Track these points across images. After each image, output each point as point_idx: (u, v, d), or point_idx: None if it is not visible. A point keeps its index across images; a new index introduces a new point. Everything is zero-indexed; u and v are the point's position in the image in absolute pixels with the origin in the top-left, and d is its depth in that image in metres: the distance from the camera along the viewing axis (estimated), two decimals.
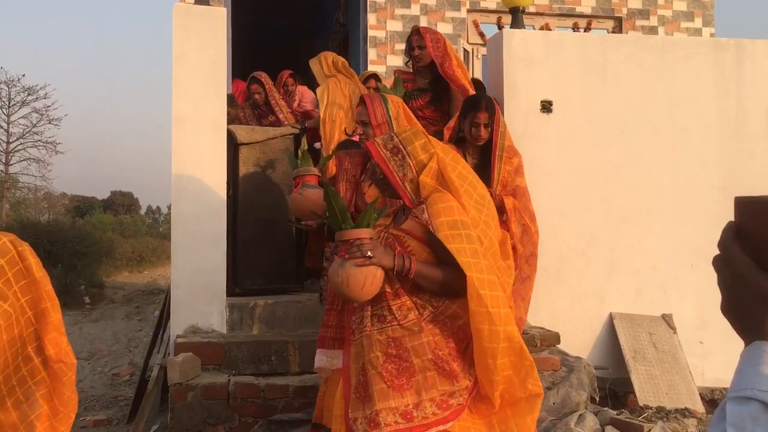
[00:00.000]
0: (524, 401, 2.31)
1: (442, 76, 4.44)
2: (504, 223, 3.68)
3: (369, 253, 2.19)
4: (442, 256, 2.28)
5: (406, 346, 2.25)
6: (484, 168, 3.81)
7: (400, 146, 2.41)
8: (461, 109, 4.01)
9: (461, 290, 2.21)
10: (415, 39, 4.50)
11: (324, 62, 5.10)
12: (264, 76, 5.81)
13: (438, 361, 2.23)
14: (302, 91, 6.50)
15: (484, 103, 3.82)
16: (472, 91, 4.38)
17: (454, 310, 2.31)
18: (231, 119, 5.71)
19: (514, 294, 3.76)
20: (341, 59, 5.19)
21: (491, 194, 3.54)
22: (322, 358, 3.48)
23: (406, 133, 2.47)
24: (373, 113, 3.49)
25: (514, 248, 3.73)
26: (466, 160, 3.73)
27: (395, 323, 2.27)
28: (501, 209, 3.71)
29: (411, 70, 4.74)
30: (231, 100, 6.07)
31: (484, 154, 3.92)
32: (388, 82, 6.63)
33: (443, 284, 2.28)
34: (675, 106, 5.34)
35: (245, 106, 5.98)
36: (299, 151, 4.00)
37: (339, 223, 2.26)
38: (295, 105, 6.22)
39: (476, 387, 2.30)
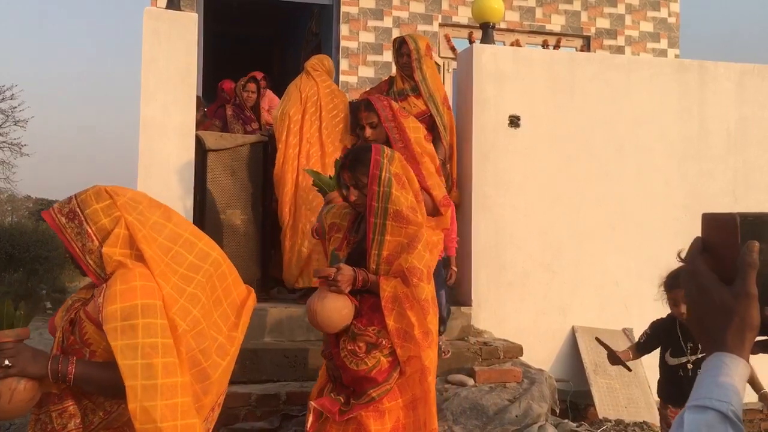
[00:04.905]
0: None
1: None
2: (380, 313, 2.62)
3: (7, 362, 1.78)
4: None
5: None
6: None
7: (77, 210, 1.92)
8: None
9: None
10: (365, 116, 3.58)
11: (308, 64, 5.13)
12: (259, 78, 5.94)
13: None
14: (270, 96, 6.52)
15: (348, 157, 2.76)
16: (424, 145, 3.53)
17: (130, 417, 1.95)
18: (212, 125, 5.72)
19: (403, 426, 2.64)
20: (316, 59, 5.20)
21: (370, 273, 2.64)
22: None
23: (86, 193, 1.95)
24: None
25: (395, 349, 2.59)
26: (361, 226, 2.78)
27: None
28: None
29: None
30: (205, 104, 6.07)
31: None
32: (355, 94, 6.66)
33: (117, 388, 1.81)
34: (639, 125, 5.45)
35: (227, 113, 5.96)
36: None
37: None
38: (266, 107, 6.24)
39: None
